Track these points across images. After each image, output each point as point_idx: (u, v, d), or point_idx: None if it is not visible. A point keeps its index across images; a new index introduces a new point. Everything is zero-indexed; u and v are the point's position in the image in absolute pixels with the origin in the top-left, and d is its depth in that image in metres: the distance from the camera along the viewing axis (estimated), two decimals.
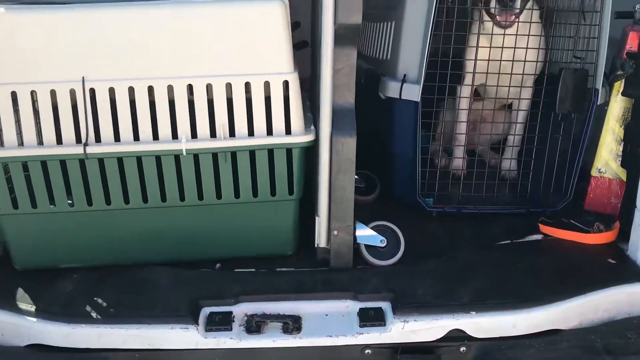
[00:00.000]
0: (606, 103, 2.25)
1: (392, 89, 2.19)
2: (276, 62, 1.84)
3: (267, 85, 1.85)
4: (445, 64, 2.18)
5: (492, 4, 2.16)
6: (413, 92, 2.14)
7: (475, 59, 2.25)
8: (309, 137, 1.91)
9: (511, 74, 2.26)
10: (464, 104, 2.43)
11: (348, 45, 1.84)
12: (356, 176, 2.51)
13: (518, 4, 2.14)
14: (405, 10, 2.16)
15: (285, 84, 1.86)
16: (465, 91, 2.41)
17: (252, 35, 1.81)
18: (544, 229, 2.21)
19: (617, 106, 2.23)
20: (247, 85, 1.84)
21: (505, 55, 2.24)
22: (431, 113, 2.24)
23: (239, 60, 1.83)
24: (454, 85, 2.36)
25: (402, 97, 2.16)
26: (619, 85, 2.21)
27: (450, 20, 2.14)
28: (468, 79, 2.34)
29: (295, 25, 2.58)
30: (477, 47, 2.23)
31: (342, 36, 1.81)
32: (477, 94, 2.52)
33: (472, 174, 2.41)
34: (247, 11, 1.80)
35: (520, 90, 2.37)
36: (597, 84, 2.17)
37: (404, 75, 2.18)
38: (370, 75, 2.41)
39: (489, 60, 2.24)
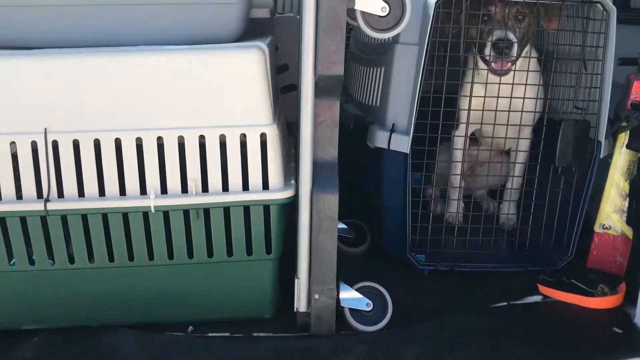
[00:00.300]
0: (610, 155, 2.11)
1: (380, 139, 2.06)
2: (253, 114, 1.72)
3: (243, 137, 1.73)
4: (437, 112, 2.05)
5: (487, 51, 2.04)
6: (402, 144, 2.01)
7: (469, 109, 2.11)
8: (288, 193, 1.77)
9: (507, 125, 2.13)
10: (457, 154, 2.30)
11: (330, 96, 1.71)
12: (345, 225, 2.39)
13: (514, 52, 2.02)
14: (394, 56, 2.04)
15: (263, 136, 1.73)
16: (459, 141, 2.28)
17: (227, 84, 1.69)
18: (544, 289, 2.05)
19: (621, 159, 2.09)
20: (222, 138, 1.72)
21: (501, 104, 2.12)
22: (425, 158, 2.09)
23: (213, 111, 1.71)
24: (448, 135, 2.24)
25: (391, 148, 2.03)
26: (623, 137, 2.08)
27: (442, 68, 2.02)
28: (462, 128, 2.21)
29: (283, 68, 2.48)
30: (471, 95, 2.10)
31: (324, 88, 1.69)
32: (474, 137, 2.40)
33: (468, 223, 2.26)
34: (223, 59, 1.69)
35: (518, 141, 2.24)
36: (600, 136, 2.04)
37: (393, 124, 2.05)
38: (359, 122, 2.28)
39: (483, 110, 2.11)
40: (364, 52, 2.46)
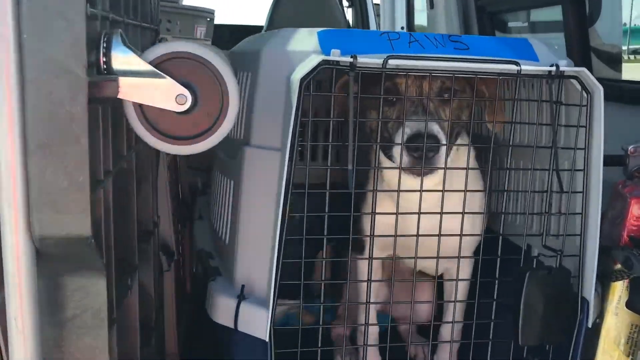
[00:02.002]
0: (600, 314, 1.32)
1: (222, 312, 1.18)
2: None
3: None
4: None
5: (397, 154, 1.20)
6: (257, 323, 1.13)
7: (372, 229, 1.26)
8: None
9: (441, 235, 1.29)
10: (363, 273, 1.43)
11: (76, 271, 0.84)
12: None
13: (441, 157, 1.20)
14: (243, 166, 1.20)
15: None
16: (366, 266, 1.42)
17: None
18: None
19: (617, 323, 1.30)
20: None
21: (425, 222, 1.28)
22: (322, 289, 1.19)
23: None
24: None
25: (239, 330, 1.15)
26: (618, 288, 1.30)
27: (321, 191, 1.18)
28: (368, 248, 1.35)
29: None
30: (373, 221, 1.26)
31: (58, 258, 0.82)
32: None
33: None
34: None
35: (458, 262, 1.38)
36: (587, 292, 1.23)
37: (243, 286, 1.18)
38: (203, 266, 1.41)
39: (395, 246, 1.27)
40: (222, 148, 1.61)
